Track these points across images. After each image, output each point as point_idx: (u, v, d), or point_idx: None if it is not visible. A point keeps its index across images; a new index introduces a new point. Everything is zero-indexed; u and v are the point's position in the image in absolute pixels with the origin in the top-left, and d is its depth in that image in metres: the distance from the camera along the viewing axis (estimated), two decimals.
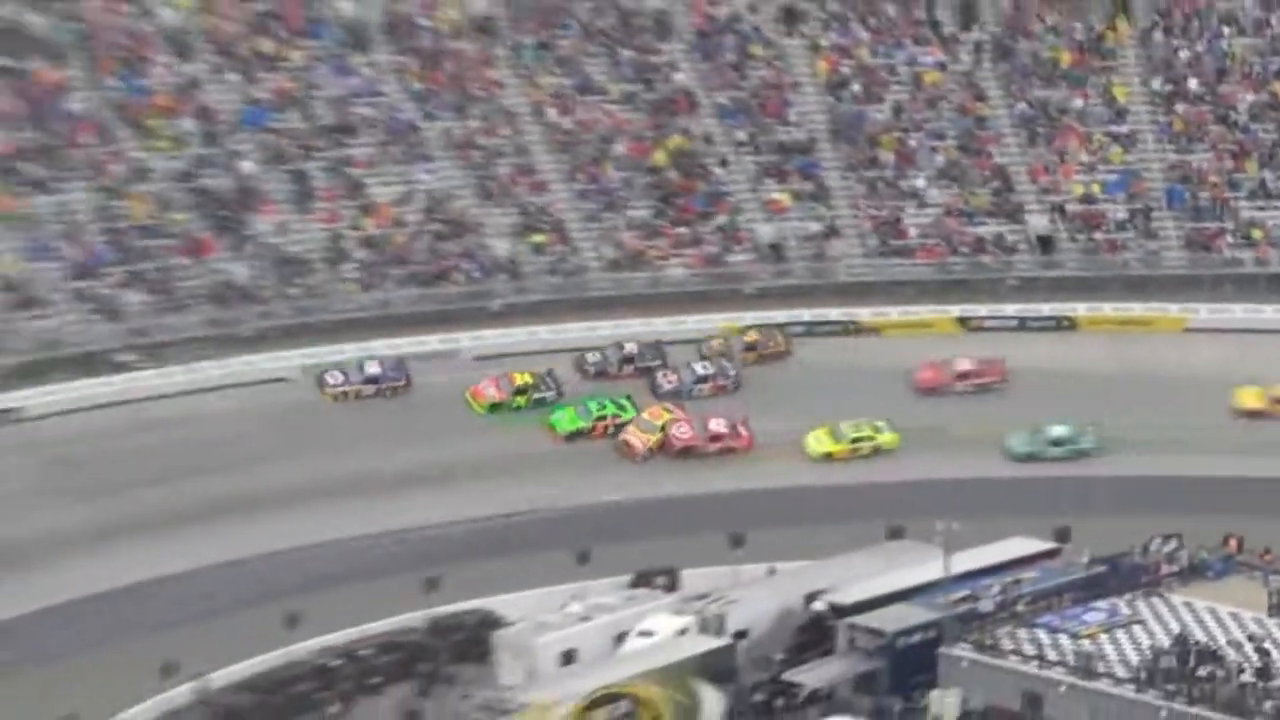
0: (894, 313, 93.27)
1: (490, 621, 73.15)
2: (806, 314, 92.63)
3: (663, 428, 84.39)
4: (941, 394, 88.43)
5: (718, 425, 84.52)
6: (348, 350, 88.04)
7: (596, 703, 66.76)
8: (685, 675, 68.20)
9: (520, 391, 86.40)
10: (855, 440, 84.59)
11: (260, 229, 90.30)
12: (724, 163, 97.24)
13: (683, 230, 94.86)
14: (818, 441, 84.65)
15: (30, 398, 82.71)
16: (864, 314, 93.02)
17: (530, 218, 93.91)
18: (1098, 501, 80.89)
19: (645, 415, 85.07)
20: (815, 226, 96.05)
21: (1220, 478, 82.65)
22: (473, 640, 72.64)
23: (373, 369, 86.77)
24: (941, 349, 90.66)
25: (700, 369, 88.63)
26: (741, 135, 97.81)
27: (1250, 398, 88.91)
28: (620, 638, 70.46)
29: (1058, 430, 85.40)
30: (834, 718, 66.80)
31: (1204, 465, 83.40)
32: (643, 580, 75.09)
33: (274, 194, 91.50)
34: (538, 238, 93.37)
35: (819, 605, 70.81)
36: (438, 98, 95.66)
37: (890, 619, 68.73)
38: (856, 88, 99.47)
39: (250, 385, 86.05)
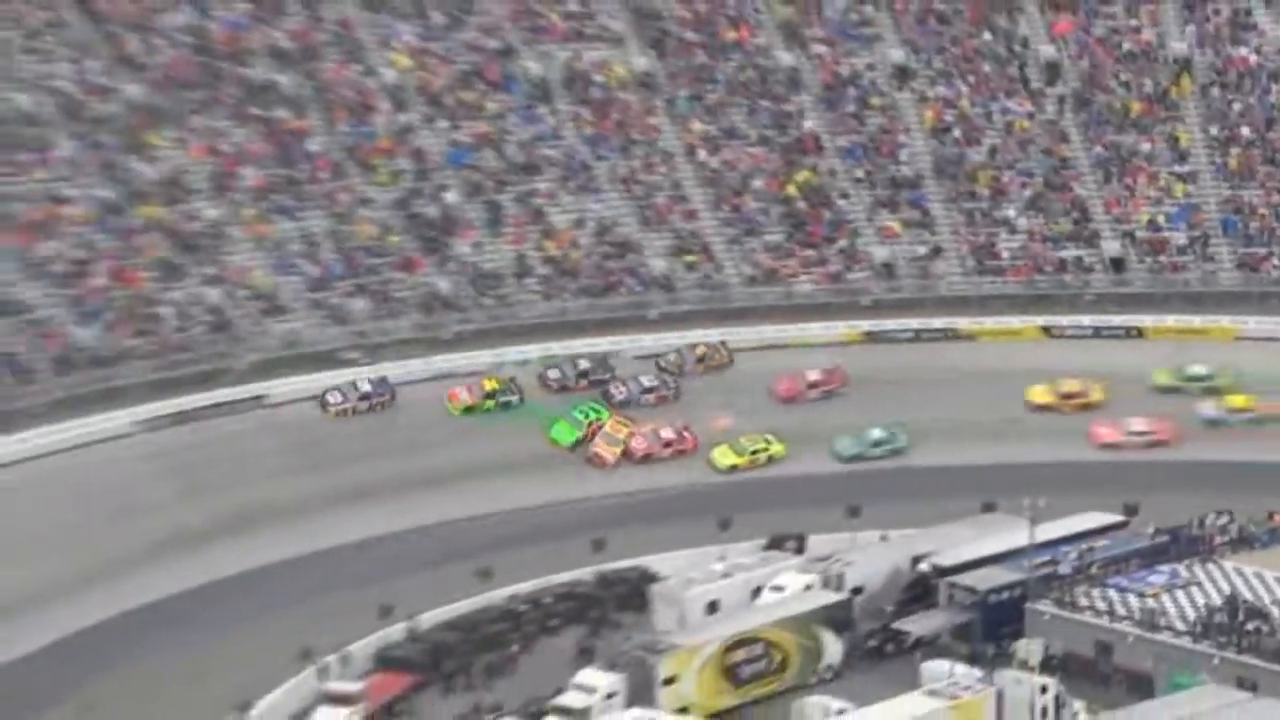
0: (988, 322, 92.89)
1: (648, 576, 73.23)
2: (914, 323, 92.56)
3: (624, 440, 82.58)
4: (799, 402, 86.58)
5: (668, 433, 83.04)
6: (530, 350, 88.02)
7: (736, 645, 66.96)
8: (810, 623, 68.31)
9: (489, 395, 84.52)
10: (754, 453, 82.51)
11: (460, 249, 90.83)
12: (845, 195, 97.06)
13: (810, 252, 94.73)
14: (723, 455, 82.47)
15: (275, 387, 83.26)
16: (962, 323, 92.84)
17: (682, 240, 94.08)
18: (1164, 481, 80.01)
19: (608, 429, 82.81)
20: (922, 249, 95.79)
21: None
22: (633, 592, 72.78)
23: (365, 386, 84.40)
24: (1027, 355, 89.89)
25: (646, 381, 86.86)
26: (859, 173, 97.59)
27: (1039, 394, 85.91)
28: (756, 591, 70.44)
29: (876, 433, 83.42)
30: (935, 661, 66.92)
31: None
32: (775, 544, 74.85)
33: (472, 220, 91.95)
34: (689, 257, 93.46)
35: (924, 566, 70.73)
36: (607, 141, 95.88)
37: (983, 579, 68.62)
38: (958, 133, 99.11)
39: (441, 379, 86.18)
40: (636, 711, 64.29)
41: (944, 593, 69.33)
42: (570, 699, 65.47)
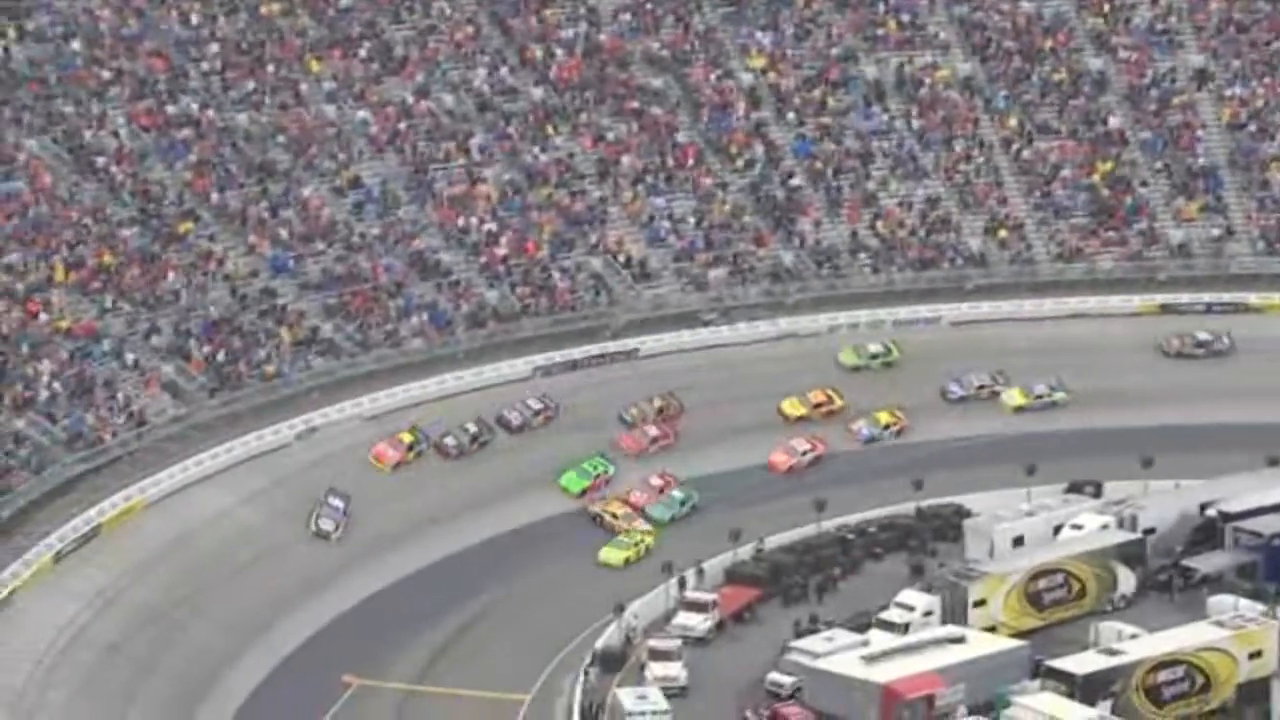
0: (1276, 297, 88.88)
1: (961, 512, 73.13)
2: (1206, 296, 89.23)
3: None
4: None
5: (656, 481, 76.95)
6: (860, 316, 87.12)
7: (1039, 574, 66.53)
8: (1106, 558, 67.42)
9: (410, 447, 75.13)
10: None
11: (803, 227, 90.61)
12: (1144, 183, 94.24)
13: (1111, 233, 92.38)
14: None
15: (645, 343, 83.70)
16: (1252, 298, 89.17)
17: (997, 221, 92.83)
18: None
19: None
20: (1215, 231, 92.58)
21: None
22: (948, 525, 72.75)
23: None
24: None
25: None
26: (1159, 164, 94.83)
27: (792, 406, 79.08)
28: (1057, 529, 69.77)
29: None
30: (1220, 596, 65.29)
31: None
32: (1075, 488, 74.16)
33: (814, 202, 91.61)
34: (1002, 235, 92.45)
35: (1211, 512, 69.13)
36: (932, 134, 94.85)
37: (1266, 524, 66.81)
38: (1252, 128, 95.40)
39: (786, 338, 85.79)
40: (950, 628, 64.37)
41: (1230, 536, 67.58)
42: (892, 615, 65.80)
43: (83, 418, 70.84)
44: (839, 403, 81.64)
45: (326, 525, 70.08)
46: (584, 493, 75.07)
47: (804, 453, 78.74)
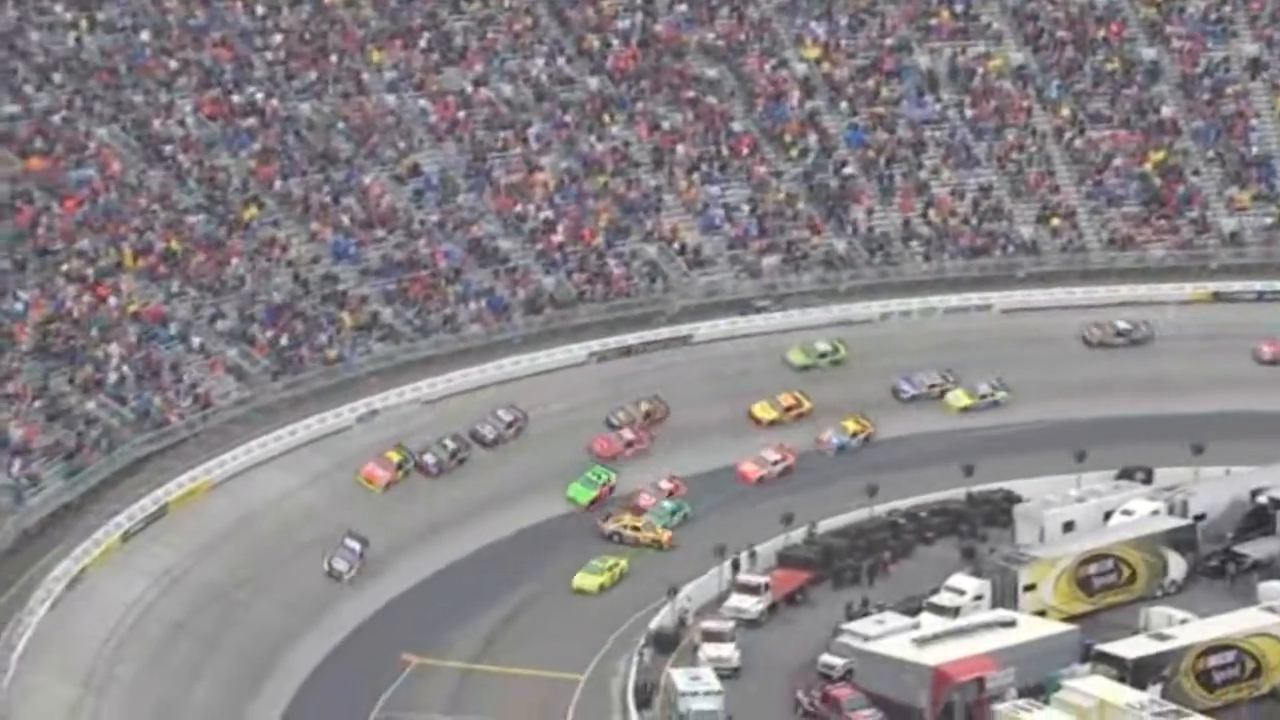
0: None
1: (1012, 498, 72.98)
2: (1258, 284, 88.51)
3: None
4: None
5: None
6: (912, 304, 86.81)
7: (1089, 559, 66.44)
8: (1156, 544, 67.26)
9: (399, 466, 72.88)
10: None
11: (856, 215, 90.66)
12: (1197, 172, 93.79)
13: (1163, 221, 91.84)
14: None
15: (699, 328, 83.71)
16: None
17: (1049, 209, 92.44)
18: None
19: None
20: (1268, 220, 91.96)
21: None
22: (998, 511, 72.57)
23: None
24: None
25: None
26: (1211, 153, 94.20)
27: (763, 410, 76.84)
28: (1107, 515, 69.61)
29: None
30: (1271, 582, 64.98)
31: None
32: (1126, 474, 73.99)
33: (866, 190, 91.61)
34: (1054, 223, 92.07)
35: (1262, 499, 68.82)
36: (985, 123, 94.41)
37: None
38: None
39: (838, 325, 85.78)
40: (1000, 612, 64.34)
41: None
42: (943, 598, 65.81)
43: (150, 400, 71.72)
44: (806, 405, 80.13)
45: (340, 566, 68.25)
46: (592, 503, 73.41)
47: (774, 463, 76.82)
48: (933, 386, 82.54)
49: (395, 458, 73.00)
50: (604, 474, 74.94)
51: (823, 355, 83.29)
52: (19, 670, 55.48)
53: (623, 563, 70.47)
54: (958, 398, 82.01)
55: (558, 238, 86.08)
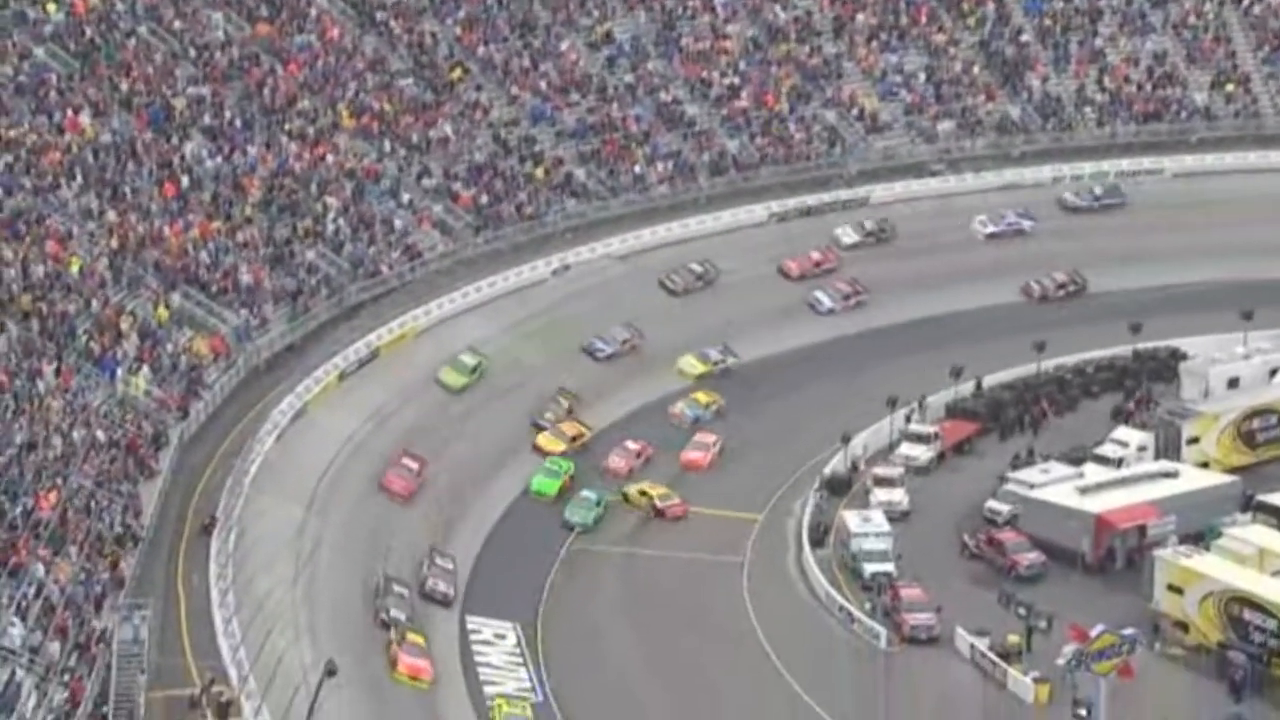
0: None
1: (1178, 355, 71.49)
2: None
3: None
4: None
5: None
6: (1084, 168, 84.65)
7: (1252, 414, 65.04)
8: None
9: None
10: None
11: (1031, 82, 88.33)
12: None
13: None
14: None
15: (874, 191, 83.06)
16: None
17: (1223, 75, 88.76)
18: None
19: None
20: None
21: None
22: (1164, 367, 71.18)
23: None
24: None
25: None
26: None
27: (547, 441, 65.74)
28: (1273, 372, 67.92)
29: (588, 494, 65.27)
30: None
31: None
32: None
33: (1041, 58, 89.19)
34: (1229, 89, 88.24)
35: None
36: None
37: None
38: None
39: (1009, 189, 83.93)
40: (1163, 463, 63.05)
41: None
42: (1107, 450, 64.76)
43: (364, 251, 72.81)
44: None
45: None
46: (560, 493, 64.09)
47: (713, 444, 67.67)
48: (625, 343, 72.32)
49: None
50: (564, 464, 65.71)
51: (473, 370, 68.93)
52: (250, 493, 57.36)
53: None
54: (693, 365, 71.86)
55: (742, 103, 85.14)
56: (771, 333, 74.92)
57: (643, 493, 64.70)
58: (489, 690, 54.27)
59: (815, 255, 78.64)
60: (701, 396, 70.85)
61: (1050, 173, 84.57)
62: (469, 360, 69.50)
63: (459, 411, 68.17)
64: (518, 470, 66.00)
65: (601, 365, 72.08)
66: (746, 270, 77.95)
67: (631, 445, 67.30)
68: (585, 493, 63.63)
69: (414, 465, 63.57)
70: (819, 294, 77.52)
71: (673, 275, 76.93)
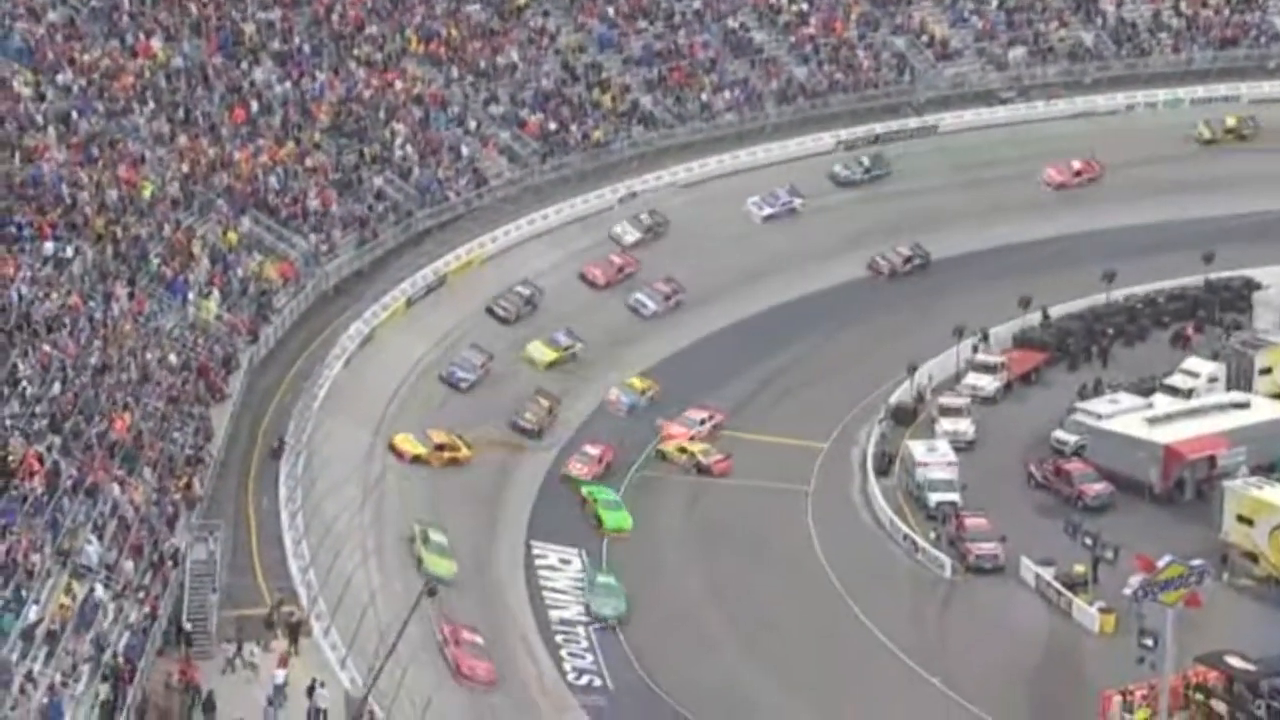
0: None
1: (1251, 285, 70.42)
2: None
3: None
4: None
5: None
6: (1158, 95, 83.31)
7: None
8: None
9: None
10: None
11: (1105, 6, 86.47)
12: None
13: None
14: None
15: (944, 119, 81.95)
16: None
17: None
18: None
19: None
20: None
21: None
22: (1236, 297, 70.19)
23: None
24: None
25: None
26: None
27: (406, 443, 59.24)
28: None
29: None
30: None
31: None
32: None
33: None
34: None
35: None
36: None
37: None
38: None
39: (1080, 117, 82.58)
40: (1234, 394, 62.07)
41: None
42: (1177, 380, 63.88)
43: (431, 177, 72.64)
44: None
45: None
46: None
47: (701, 421, 64.18)
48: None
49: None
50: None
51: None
52: (320, 416, 57.69)
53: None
54: (543, 353, 66.83)
55: (810, 29, 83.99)
56: (847, 260, 74.20)
57: (682, 450, 62.51)
58: (553, 615, 54.34)
59: None
60: (637, 382, 66.10)
61: (1123, 100, 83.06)
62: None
63: (524, 336, 68.07)
64: (589, 394, 65.61)
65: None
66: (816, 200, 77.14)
67: (592, 450, 61.77)
68: (601, 579, 55.50)
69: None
70: None
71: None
